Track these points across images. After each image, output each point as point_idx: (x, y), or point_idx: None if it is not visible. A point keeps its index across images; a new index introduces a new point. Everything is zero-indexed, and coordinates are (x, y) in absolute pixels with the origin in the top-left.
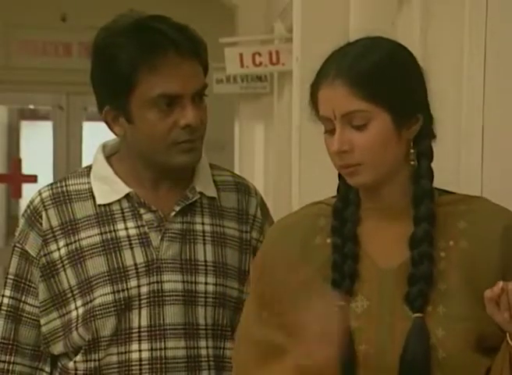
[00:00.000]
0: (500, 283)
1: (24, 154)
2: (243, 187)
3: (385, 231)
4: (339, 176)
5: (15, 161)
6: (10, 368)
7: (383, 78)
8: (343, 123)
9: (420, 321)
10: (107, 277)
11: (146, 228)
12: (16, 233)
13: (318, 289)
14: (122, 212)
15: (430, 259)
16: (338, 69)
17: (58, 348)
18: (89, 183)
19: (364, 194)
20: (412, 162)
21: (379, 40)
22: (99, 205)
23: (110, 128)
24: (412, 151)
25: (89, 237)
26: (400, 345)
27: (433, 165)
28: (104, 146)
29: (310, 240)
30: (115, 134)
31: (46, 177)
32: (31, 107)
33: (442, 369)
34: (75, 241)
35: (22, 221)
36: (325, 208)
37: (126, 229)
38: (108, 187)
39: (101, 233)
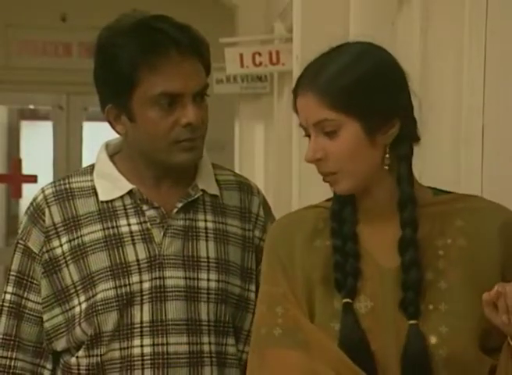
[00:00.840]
0: (496, 287)
1: (24, 154)
2: (245, 186)
3: (382, 231)
4: None
5: (15, 161)
6: (12, 364)
7: (352, 87)
8: (316, 131)
9: (414, 328)
10: (109, 272)
11: (148, 224)
12: (19, 230)
13: (321, 289)
14: (125, 209)
15: (417, 266)
16: (307, 79)
17: (61, 343)
18: (92, 180)
19: (356, 196)
20: (386, 167)
21: (352, 46)
22: (102, 202)
23: (112, 127)
24: (387, 156)
25: (91, 232)
26: (402, 348)
27: (433, 165)
28: (107, 145)
29: (310, 242)
30: (118, 133)
31: (46, 177)
32: (31, 107)
33: (446, 366)
34: (77, 237)
35: (25, 218)
36: (323, 211)
37: (129, 225)
38: (111, 184)
39: (104, 229)
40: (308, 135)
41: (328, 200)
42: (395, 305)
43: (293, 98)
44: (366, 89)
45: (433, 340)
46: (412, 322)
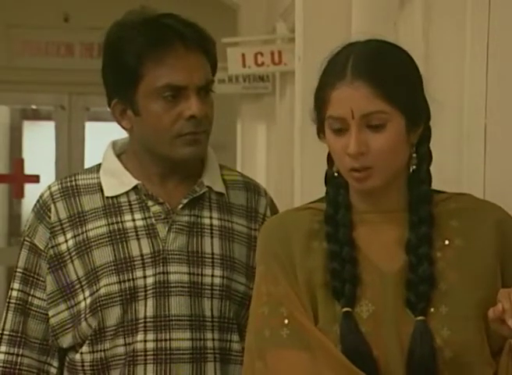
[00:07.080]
0: (500, 305)
1: (26, 154)
2: (252, 187)
3: (381, 235)
4: (326, 180)
5: (17, 161)
6: (18, 360)
7: (402, 81)
8: (360, 124)
9: (422, 324)
10: (113, 267)
11: (153, 220)
12: (26, 227)
13: (322, 292)
14: (130, 204)
15: (429, 261)
16: (356, 69)
17: (67, 340)
18: (98, 177)
19: (360, 197)
20: (414, 167)
21: (389, 43)
22: (107, 198)
23: (118, 122)
24: (414, 155)
25: (96, 228)
26: (407, 349)
27: (435, 164)
28: (114, 144)
29: (307, 243)
30: (123, 128)
31: (48, 177)
32: (33, 107)
33: (449, 369)
34: (82, 233)
35: (31, 215)
36: (316, 213)
37: (133, 220)
38: (117, 180)
39: (108, 224)
40: (337, 129)
41: (317, 201)
42: (397, 308)
43: (327, 89)
44: (414, 85)
45: (436, 343)
46: (419, 318)
